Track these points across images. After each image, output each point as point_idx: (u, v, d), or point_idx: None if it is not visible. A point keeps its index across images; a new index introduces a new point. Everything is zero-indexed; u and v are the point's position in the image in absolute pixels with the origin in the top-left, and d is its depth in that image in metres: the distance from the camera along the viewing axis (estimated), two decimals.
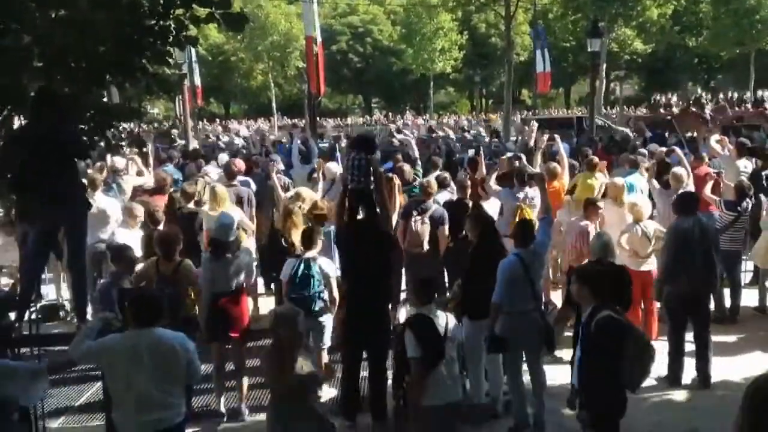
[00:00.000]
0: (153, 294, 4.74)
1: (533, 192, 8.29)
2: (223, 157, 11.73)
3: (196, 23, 4.57)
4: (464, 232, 6.76)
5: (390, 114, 50.87)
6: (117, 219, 8.14)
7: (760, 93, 29.33)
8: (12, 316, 5.78)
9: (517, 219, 7.67)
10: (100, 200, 7.84)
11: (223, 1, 4.38)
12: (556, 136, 11.25)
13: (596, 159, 9.10)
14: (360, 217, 5.86)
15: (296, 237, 6.67)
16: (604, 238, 6.19)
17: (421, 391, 4.56)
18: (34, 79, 4.65)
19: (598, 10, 27.73)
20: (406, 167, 9.39)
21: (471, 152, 13.46)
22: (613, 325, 4.28)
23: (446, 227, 7.67)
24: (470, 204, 8.07)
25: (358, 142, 5.95)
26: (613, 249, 6.21)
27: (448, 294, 6.92)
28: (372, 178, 5.70)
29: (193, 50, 22.18)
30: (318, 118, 27.78)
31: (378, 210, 5.79)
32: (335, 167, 9.43)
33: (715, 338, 6.74)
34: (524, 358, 5.75)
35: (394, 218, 7.24)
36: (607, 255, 6.00)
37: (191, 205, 7.87)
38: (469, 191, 8.41)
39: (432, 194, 7.96)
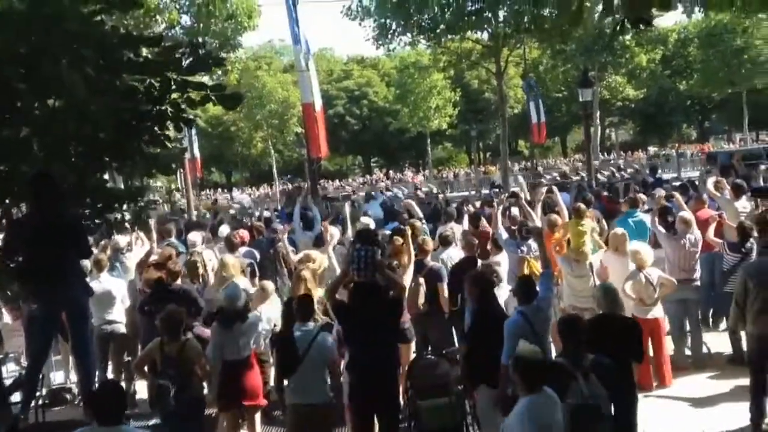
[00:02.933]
0: (116, 386, 4.60)
1: (536, 245, 8.29)
2: (224, 229, 11.75)
3: (192, 106, 4.67)
4: None
5: (390, 172, 51.44)
6: (122, 299, 8.09)
7: None
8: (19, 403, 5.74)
9: (524, 272, 7.65)
10: (105, 281, 7.82)
11: (217, 85, 4.49)
12: (554, 187, 11.29)
13: (583, 206, 9.14)
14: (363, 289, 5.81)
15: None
16: (607, 288, 6.13)
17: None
18: (33, 168, 4.71)
19: (587, 59, 28.28)
20: (417, 223, 9.41)
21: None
22: (554, 373, 4.46)
23: (445, 283, 7.62)
24: (479, 262, 8.04)
25: (362, 236, 6.01)
26: (619, 300, 6.14)
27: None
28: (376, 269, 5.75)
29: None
30: (321, 181, 28.06)
31: (387, 295, 5.78)
32: (337, 232, 9.46)
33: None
34: None
35: (410, 273, 7.21)
36: (616, 307, 5.93)
37: (179, 282, 7.81)
38: (476, 248, 8.40)
39: (428, 252, 7.92)
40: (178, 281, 7.64)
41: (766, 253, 6.60)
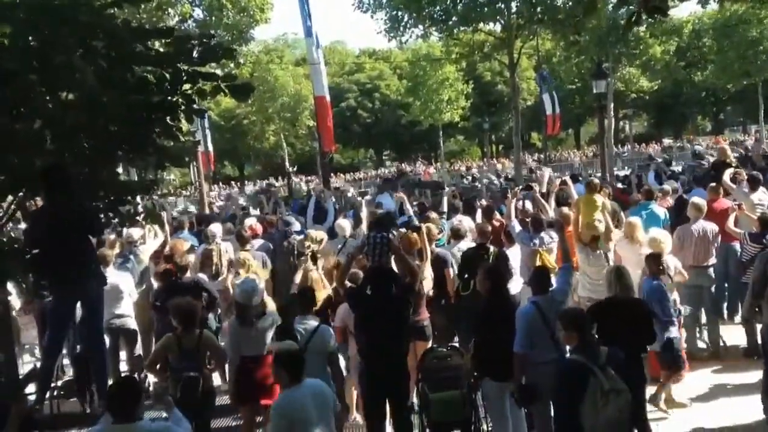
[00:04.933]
0: (131, 381, 4.54)
1: (548, 237, 8.25)
2: (250, 221, 11.65)
3: (203, 97, 4.67)
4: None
5: (402, 165, 51.34)
6: (130, 293, 8.09)
7: None
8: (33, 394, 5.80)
9: (536, 265, 7.62)
10: (112, 276, 7.80)
11: (228, 75, 4.49)
12: (567, 179, 11.24)
13: (596, 180, 9.17)
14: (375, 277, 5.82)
15: (320, 297, 6.64)
16: (619, 271, 6.09)
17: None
18: (46, 161, 4.74)
19: (601, 51, 27.97)
20: (433, 215, 9.40)
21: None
22: (573, 369, 4.51)
23: (451, 269, 7.71)
24: (491, 249, 8.04)
25: (379, 222, 6.00)
26: (631, 283, 6.08)
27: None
28: (390, 254, 5.76)
29: (206, 117, 22.69)
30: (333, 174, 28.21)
31: (400, 280, 5.79)
32: (347, 225, 9.42)
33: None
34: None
35: (428, 266, 7.24)
36: (628, 290, 5.89)
37: (189, 275, 7.84)
38: (490, 237, 8.40)
39: (434, 240, 7.97)
40: (188, 274, 7.65)
41: None
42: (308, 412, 4.46)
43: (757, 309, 6.37)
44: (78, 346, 6.72)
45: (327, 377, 5.54)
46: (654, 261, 6.81)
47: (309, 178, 45.92)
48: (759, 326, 7.71)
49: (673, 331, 6.62)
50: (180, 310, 5.86)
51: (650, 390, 6.63)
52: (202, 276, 8.10)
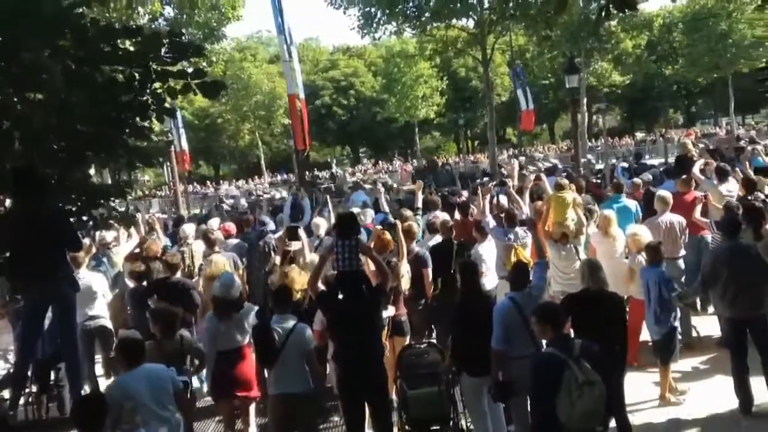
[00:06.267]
0: (94, 397, 4.71)
1: (523, 232, 8.30)
2: (214, 223, 11.59)
3: (173, 95, 4.62)
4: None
5: (379, 162, 51.32)
6: (104, 294, 8.00)
7: None
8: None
9: (511, 260, 7.67)
10: (85, 277, 7.70)
11: (197, 71, 4.43)
12: (542, 175, 11.32)
13: (565, 181, 9.29)
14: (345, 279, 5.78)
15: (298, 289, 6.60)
16: (592, 263, 6.13)
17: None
18: (15, 163, 4.66)
19: (573, 46, 28.20)
20: (408, 212, 9.39)
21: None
22: (547, 362, 4.55)
23: (429, 269, 7.68)
24: (456, 245, 8.07)
25: (342, 226, 5.84)
26: (604, 276, 6.12)
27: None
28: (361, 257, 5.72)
29: (179, 116, 22.49)
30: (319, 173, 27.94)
31: (373, 283, 5.78)
32: (323, 223, 9.40)
33: None
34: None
35: (404, 265, 7.24)
36: (601, 282, 5.94)
37: (179, 275, 7.76)
38: (454, 233, 8.43)
39: (414, 237, 7.97)
40: (178, 274, 7.58)
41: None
42: (141, 394, 4.69)
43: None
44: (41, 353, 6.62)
45: (306, 376, 5.53)
46: (653, 250, 6.88)
47: (286, 176, 45.65)
48: None
49: (676, 320, 6.76)
50: (159, 316, 5.86)
51: (637, 378, 6.76)
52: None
